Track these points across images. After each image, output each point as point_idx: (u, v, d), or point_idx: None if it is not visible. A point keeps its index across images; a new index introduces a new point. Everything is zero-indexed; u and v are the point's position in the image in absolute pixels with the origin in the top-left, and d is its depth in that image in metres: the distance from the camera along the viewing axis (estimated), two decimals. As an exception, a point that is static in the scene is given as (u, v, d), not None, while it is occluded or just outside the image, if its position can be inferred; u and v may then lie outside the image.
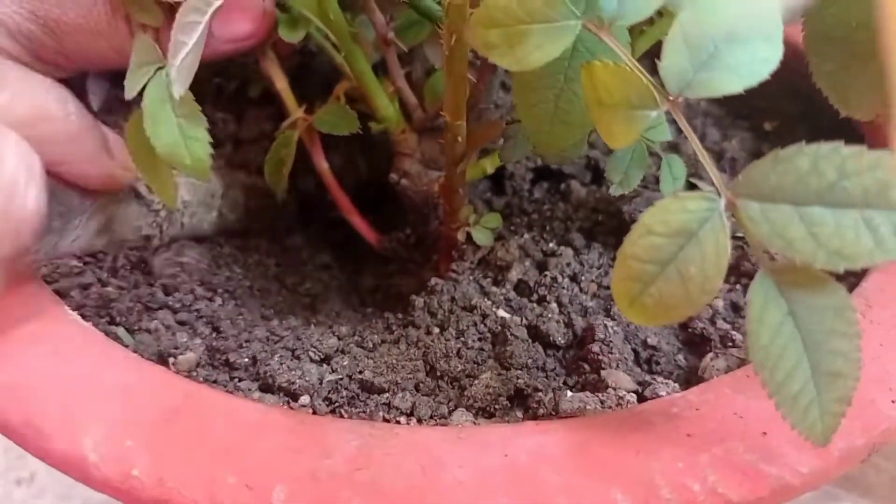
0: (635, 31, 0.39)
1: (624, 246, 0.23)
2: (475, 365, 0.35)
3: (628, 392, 0.32)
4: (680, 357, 0.36)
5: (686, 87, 0.23)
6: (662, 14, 0.38)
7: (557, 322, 0.36)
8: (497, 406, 0.32)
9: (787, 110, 0.54)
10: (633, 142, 0.28)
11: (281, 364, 0.33)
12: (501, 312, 0.38)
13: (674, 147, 0.48)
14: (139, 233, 0.37)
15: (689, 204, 0.23)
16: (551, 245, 0.42)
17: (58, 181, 0.35)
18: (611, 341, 0.34)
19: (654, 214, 0.23)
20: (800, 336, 0.23)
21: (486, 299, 0.39)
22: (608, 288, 0.39)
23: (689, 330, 0.37)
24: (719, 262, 0.23)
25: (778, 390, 0.24)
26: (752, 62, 0.22)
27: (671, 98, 0.23)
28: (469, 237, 0.42)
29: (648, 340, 0.36)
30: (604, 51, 0.26)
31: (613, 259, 0.41)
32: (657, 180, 0.46)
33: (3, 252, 0.28)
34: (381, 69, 0.42)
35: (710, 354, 0.34)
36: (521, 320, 0.37)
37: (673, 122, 0.45)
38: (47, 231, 0.33)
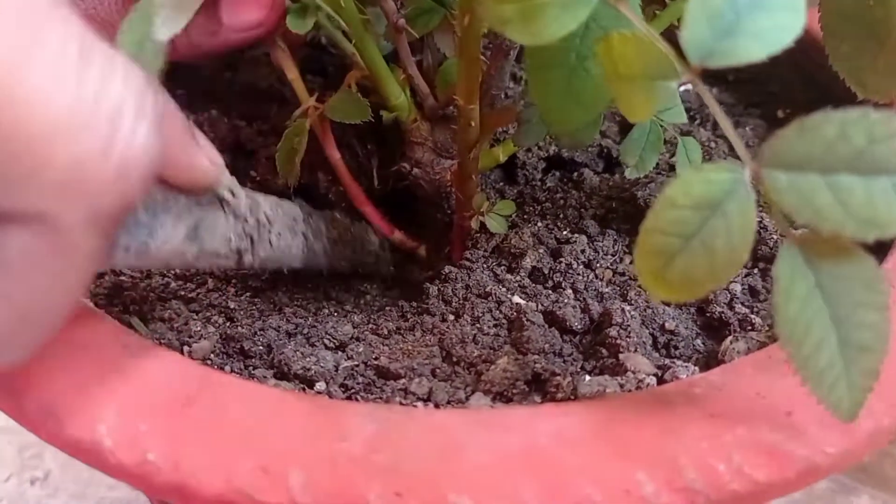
0: (647, 14, 0.38)
1: (647, 220, 0.23)
2: (491, 350, 0.34)
3: (648, 375, 0.31)
4: (698, 342, 0.35)
5: (708, 56, 0.22)
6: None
7: (573, 308, 0.36)
8: (515, 390, 0.31)
9: (800, 97, 0.54)
10: (654, 114, 0.27)
11: (296, 351, 0.33)
12: (516, 299, 0.37)
13: (687, 135, 0.47)
14: (229, 245, 0.32)
15: (713, 175, 0.22)
16: (565, 233, 0.42)
17: None
18: (628, 325, 0.34)
19: (678, 186, 0.22)
20: (827, 309, 0.23)
21: (500, 286, 0.38)
22: (623, 274, 0.39)
23: (707, 314, 0.36)
24: (745, 233, 0.22)
25: (804, 365, 0.24)
26: (774, 29, 0.22)
27: (693, 67, 0.23)
28: (482, 225, 0.42)
29: (666, 325, 0.35)
30: (615, 26, 0.26)
31: (628, 245, 0.41)
32: (671, 168, 0.46)
33: (105, 203, 0.21)
34: (391, 60, 0.42)
35: (730, 337, 0.34)
36: (537, 306, 0.36)
37: (687, 109, 0.45)
38: (135, 223, 0.28)
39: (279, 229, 0.36)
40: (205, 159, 0.30)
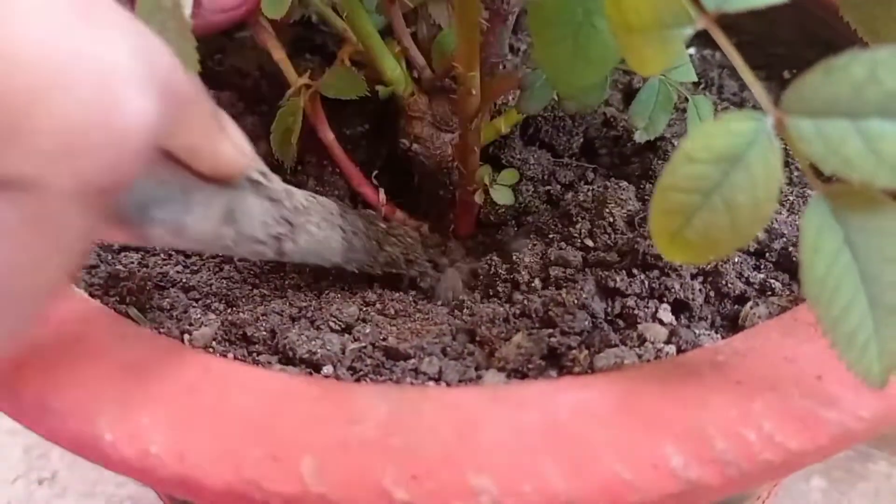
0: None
1: (662, 177, 0.22)
2: (504, 326, 0.33)
3: (666, 344, 0.30)
4: (716, 308, 0.34)
5: (724, 0, 0.21)
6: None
7: (587, 278, 0.35)
8: (530, 366, 0.30)
9: (805, 57, 0.52)
10: (667, 66, 0.26)
11: (300, 335, 0.32)
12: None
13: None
14: (267, 230, 0.30)
15: (733, 126, 0.21)
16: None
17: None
18: (644, 295, 0.33)
19: (696, 139, 0.21)
20: (857, 266, 0.22)
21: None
22: (635, 245, 0.38)
23: (724, 279, 0.35)
24: (770, 187, 0.21)
25: (833, 327, 0.22)
26: (796, -33, 0.20)
27: (709, 13, 0.21)
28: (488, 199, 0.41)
29: (682, 292, 0.34)
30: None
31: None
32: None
33: (96, 171, 0.19)
34: (384, 34, 0.41)
35: (750, 303, 0.33)
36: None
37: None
38: (168, 197, 0.26)
39: (318, 219, 0.33)
40: (230, 147, 0.27)
